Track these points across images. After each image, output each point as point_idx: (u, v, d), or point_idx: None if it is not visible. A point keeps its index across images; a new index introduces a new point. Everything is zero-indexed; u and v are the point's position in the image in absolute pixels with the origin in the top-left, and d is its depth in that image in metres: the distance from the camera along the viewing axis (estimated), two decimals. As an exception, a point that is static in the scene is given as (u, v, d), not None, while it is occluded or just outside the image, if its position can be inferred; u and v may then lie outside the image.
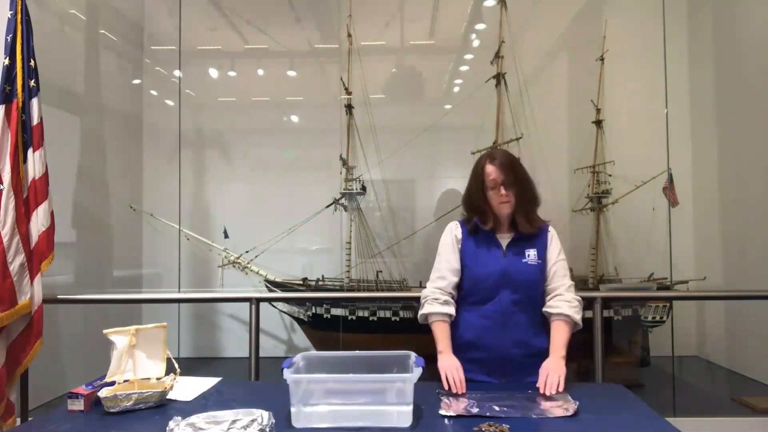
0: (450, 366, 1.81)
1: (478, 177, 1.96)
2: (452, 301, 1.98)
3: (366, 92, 4.79)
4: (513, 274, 1.92)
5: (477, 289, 1.95)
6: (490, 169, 1.92)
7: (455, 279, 1.98)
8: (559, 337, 1.89)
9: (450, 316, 1.95)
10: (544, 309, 1.97)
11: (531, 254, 1.95)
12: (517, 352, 1.92)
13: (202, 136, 5.08)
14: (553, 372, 1.78)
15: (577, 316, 1.92)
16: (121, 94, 4.98)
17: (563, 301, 1.93)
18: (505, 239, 1.98)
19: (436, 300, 1.96)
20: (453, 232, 2.04)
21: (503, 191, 1.90)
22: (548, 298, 1.97)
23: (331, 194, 4.81)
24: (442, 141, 4.81)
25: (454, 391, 1.77)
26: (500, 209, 1.94)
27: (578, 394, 1.75)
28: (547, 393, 1.73)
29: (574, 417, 1.59)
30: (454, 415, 1.60)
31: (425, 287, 2.04)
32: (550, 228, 2.03)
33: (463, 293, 1.99)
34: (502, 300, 1.92)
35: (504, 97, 4.74)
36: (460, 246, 2.01)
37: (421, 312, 1.98)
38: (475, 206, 1.98)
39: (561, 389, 1.75)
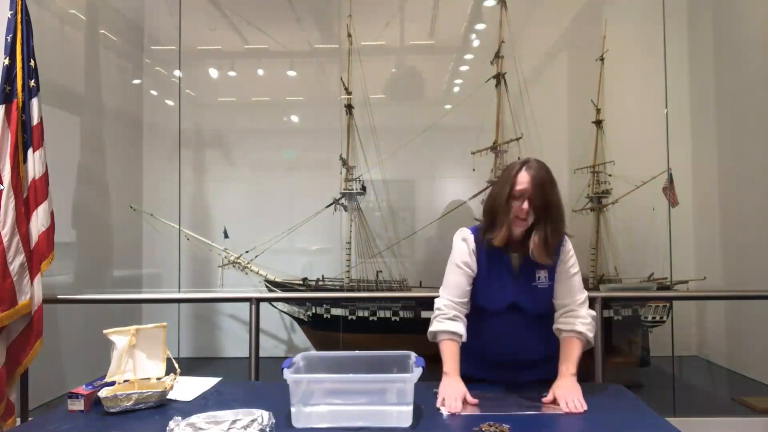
0: (452, 395, 1.67)
1: (505, 181, 1.78)
2: (463, 318, 1.84)
3: (366, 92, 4.78)
4: (523, 301, 1.84)
5: (485, 308, 1.88)
6: (523, 177, 1.74)
7: (470, 290, 1.87)
8: (570, 355, 1.79)
9: (460, 336, 1.81)
10: (555, 326, 1.87)
11: (542, 276, 1.84)
12: (525, 357, 1.89)
13: (202, 136, 5.08)
14: (570, 397, 1.67)
15: (590, 334, 1.82)
16: (121, 94, 4.98)
17: (576, 318, 1.83)
18: (516, 258, 1.85)
19: (445, 315, 1.83)
20: (469, 245, 1.87)
21: (525, 206, 1.73)
22: (559, 313, 1.87)
23: (331, 194, 4.80)
24: (442, 141, 4.81)
25: (450, 412, 1.63)
26: (513, 224, 1.76)
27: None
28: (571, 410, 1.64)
29: (574, 417, 1.59)
30: (454, 413, 1.60)
31: (432, 292, 1.91)
32: (564, 241, 1.86)
33: (472, 302, 1.91)
34: (512, 316, 1.86)
35: (504, 97, 4.74)
36: (476, 259, 1.86)
37: (430, 329, 1.85)
38: (492, 215, 1.81)
39: (582, 410, 1.64)
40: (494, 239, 1.79)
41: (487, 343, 1.89)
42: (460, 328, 1.81)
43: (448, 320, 1.82)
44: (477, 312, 1.89)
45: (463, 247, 1.88)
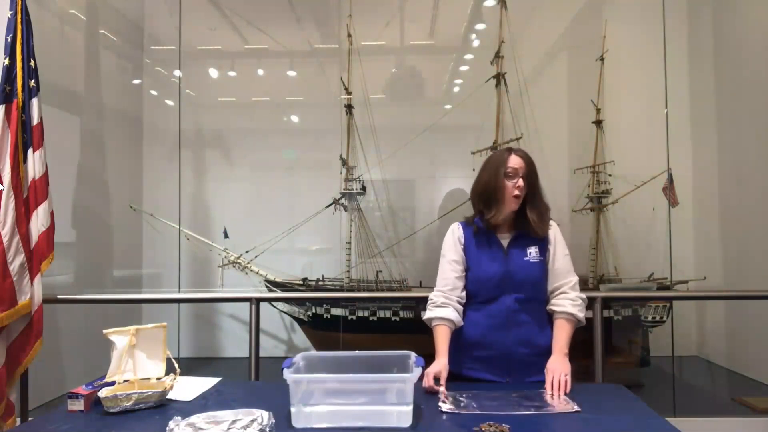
0: (429, 372, 1.80)
1: (497, 166, 1.93)
2: (455, 303, 1.96)
3: (366, 92, 4.78)
4: (515, 273, 1.93)
5: (480, 290, 1.96)
6: (514, 159, 1.92)
7: (461, 281, 1.98)
8: (562, 335, 1.92)
9: (449, 321, 1.92)
10: (548, 307, 1.98)
11: (532, 252, 1.95)
12: (523, 351, 1.93)
13: (202, 136, 5.08)
14: (559, 372, 1.80)
15: (581, 315, 1.95)
16: (121, 94, 4.98)
17: (567, 300, 1.95)
18: (505, 239, 1.98)
19: (434, 304, 1.97)
20: (455, 233, 2.04)
21: (520, 183, 1.90)
22: (553, 295, 1.99)
23: (331, 194, 4.80)
24: (442, 141, 4.81)
25: (425, 384, 1.77)
26: (510, 202, 1.91)
27: (578, 394, 1.76)
28: (555, 395, 1.74)
29: (574, 417, 1.59)
30: (455, 411, 1.61)
31: (430, 288, 2.06)
32: (552, 223, 2.02)
33: (468, 294, 2.00)
34: (506, 299, 1.93)
35: (504, 97, 4.73)
36: (462, 247, 2.00)
37: (424, 317, 1.99)
38: (487, 196, 1.94)
39: (568, 389, 1.77)
40: (493, 217, 1.94)
41: (482, 334, 1.94)
42: (449, 313, 1.93)
43: (436, 307, 1.96)
44: (472, 302, 1.98)
45: (449, 239, 2.05)
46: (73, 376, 3.78)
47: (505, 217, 1.96)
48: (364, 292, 4.73)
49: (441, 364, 1.84)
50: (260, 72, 5.20)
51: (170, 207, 4.71)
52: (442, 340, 1.90)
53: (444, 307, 1.94)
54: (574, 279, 1.99)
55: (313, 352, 1.80)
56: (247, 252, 4.76)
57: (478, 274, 1.96)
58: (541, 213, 1.94)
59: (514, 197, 1.91)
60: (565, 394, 1.76)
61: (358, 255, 4.85)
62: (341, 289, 4.79)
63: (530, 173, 1.92)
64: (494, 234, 1.98)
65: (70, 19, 4.35)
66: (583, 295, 1.99)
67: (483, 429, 1.47)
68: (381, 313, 4.61)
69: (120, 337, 1.80)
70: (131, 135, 5.05)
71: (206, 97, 5.16)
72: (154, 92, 5.18)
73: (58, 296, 3.00)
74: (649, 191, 4.53)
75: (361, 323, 4.65)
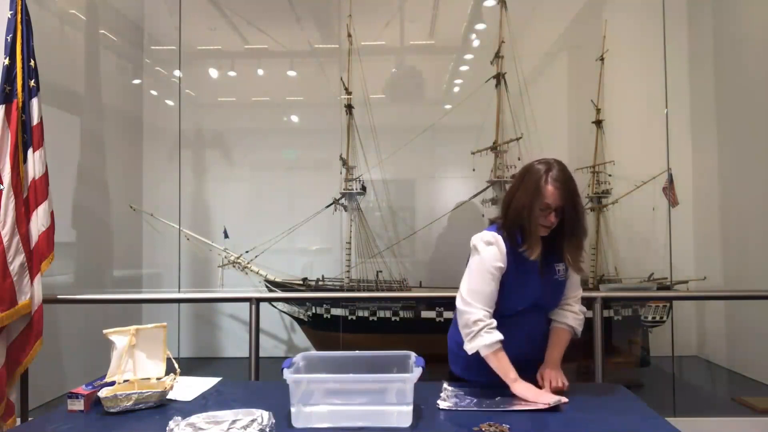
0: (540, 393, 1.72)
1: (532, 192, 1.75)
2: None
3: (366, 92, 4.78)
4: (547, 296, 1.89)
5: (513, 307, 1.86)
6: (550, 193, 1.73)
7: (496, 298, 1.84)
8: (561, 346, 1.92)
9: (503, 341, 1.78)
10: (550, 315, 1.96)
11: (560, 269, 1.87)
12: (536, 356, 1.93)
13: (202, 136, 5.08)
14: (555, 377, 1.83)
15: (579, 329, 1.95)
16: (121, 94, 4.98)
17: (571, 312, 1.94)
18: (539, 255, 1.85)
19: (491, 326, 1.77)
20: (500, 246, 1.82)
21: (552, 218, 1.76)
22: (558, 304, 1.96)
23: (331, 194, 4.81)
24: (442, 141, 4.81)
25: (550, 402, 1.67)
26: (538, 231, 1.78)
27: (578, 394, 1.76)
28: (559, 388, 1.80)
29: (574, 417, 1.59)
30: (453, 409, 1.62)
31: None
32: None
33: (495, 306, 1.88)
34: (532, 314, 1.89)
35: (504, 97, 4.74)
36: (506, 260, 1.82)
37: (478, 343, 1.75)
38: (517, 220, 1.79)
39: (566, 384, 1.82)
40: (528, 253, 1.78)
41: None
42: (500, 334, 1.78)
43: (494, 330, 1.77)
44: (497, 316, 1.83)
45: (494, 252, 1.81)
46: (73, 376, 3.78)
47: None
48: (364, 292, 4.73)
49: (526, 385, 1.76)
50: (260, 72, 5.20)
51: (170, 207, 4.71)
52: (509, 362, 1.77)
53: (496, 328, 1.77)
54: (581, 292, 1.97)
55: (313, 352, 1.80)
56: (247, 252, 4.76)
57: (516, 295, 1.83)
58: (578, 249, 1.81)
59: (542, 227, 1.78)
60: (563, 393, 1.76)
61: (358, 255, 4.85)
62: (341, 289, 4.79)
63: (567, 207, 1.74)
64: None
65: (70, 19, 4.35)
66: (585, 309, 1.98)
67: (483, 429, 1.48)
68: (381, 313, 4.61)
69: (120, 337, 1.80)
70: (131, 135, 5.05)
71: (206, 97, 5.16)
72: (154, 92, 5.18)
73: (58, 296, 2.99)
74: (649, 191, 4.53)
75: (361, 323, 4.65)
